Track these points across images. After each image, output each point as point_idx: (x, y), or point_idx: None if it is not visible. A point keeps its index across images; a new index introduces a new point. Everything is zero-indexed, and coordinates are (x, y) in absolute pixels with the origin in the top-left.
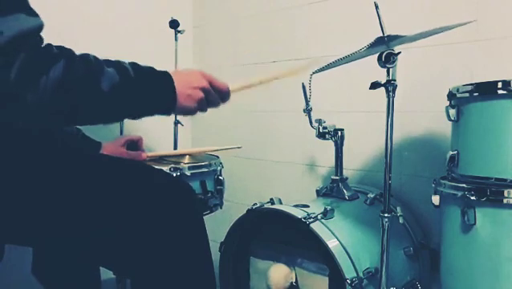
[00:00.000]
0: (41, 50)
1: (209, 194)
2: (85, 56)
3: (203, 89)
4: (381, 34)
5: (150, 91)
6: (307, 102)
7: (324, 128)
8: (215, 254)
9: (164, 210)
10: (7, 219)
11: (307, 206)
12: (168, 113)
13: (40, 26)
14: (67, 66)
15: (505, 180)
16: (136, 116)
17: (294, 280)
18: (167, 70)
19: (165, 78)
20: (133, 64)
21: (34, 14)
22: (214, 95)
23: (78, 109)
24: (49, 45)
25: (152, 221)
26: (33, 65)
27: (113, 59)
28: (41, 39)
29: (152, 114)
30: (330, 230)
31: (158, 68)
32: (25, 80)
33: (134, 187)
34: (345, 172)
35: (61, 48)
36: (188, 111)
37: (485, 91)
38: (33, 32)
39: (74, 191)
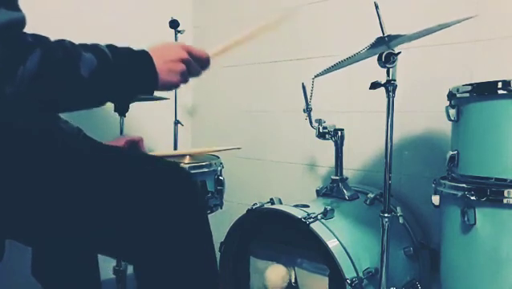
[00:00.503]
0: (16, 40)
1: (210, 194)
2: (61, 42)
3: (183, 60)
4: (381, 34)
5: (130, 72)
6: (307, 102)
7: (324, 128)
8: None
9: (166, 199)
10: (9, 218)
11: (307, 206)
12: (150, 92)
13: (20, 20)
14: (44, 54)
15: (505, 180)
16: (119, 98)
17: (292, 280)
18: (144, 48)
19: (144, 57)
20: (110, 47)
21: (16, 9)
22: (195, 65)
23: (58, 97)
24: (23, 34)
25: (155, 212)
26: (8, 57)
27: (90, 43)
28: (20, 33)
29: (134, 95)
30: (330, 230)
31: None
32: (1, 73)
33: (138, 178)
34: (345, 172)
35: (36, 36)
36: (172, 86)
37: (485, 91)
38: (11, 25)
39: (80, 183)
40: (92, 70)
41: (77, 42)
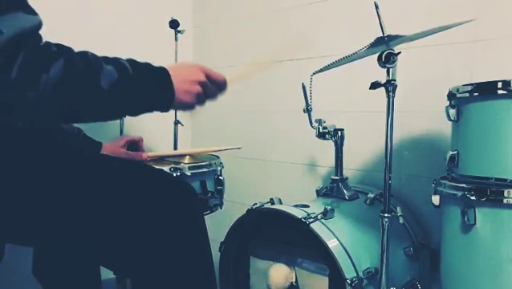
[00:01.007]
0: (40, 48)
1: (209, 194)
2: (84, 54)
3: (200, 83)
4: (381, 34)
5: (148, 88)
6: (307, 102)
7: (324, 128)
8: (215, 254)
9: (165, 210)
10: (8, 219)
11: (307, 206)
12: (166, 110)
13: (39, 25)
14: (67, 64)
15: (505, 180)
16: (135, 113)
17: (294, 280)
18: (164, 66)
19: (163, 74)
20: (131, 61)
21: (33, 13)
22: (212, 88)
23: (77, 107)
24: (48, 43)
25: (152, 221)
26: (33, 64)
27: (111, 56)
28: (40, 38)
29: (150, 111)
30: (330, 230)
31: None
32: (26, 79)
33: (135, 187)
34: (345, 172)
35: (60, 46)
36: (187, 107)
37: (485, 91)
38: (32, 31)
39: (74, 192)
40: (112, 83)
41: (77, 42)
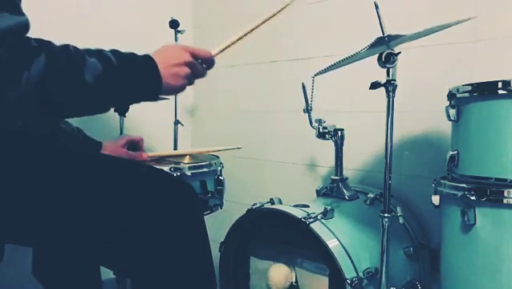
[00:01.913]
0: (20, 45)
1: (210, 194)
2: (65, 48)
3: (187, 63)
4: (381, 34)
5: (134, 78)
6: (307, 102)
7: (324, 128)
8: (215, 254)
9: (165, 210)
10: (9, 219)
11: (307, 206)
12: (154, 97)
13: (23, 24)
14: (49, 60)
15: (505, 180)
16: (123, 104)
17: (294, 280)
18: (148, 53)
19: (148, 63)
20: (115, 52)
21: (20, 13)
22: (199, 66)
23: (63, 103)
24: (28, 38)
25: (152, 221)
26: (12, 61)
27: (94, 48)
28: (24, 38)
29: (138, 101)
30: (330, 230)
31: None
32: (5, 77)
33: (135, 187)
34: (345, 173)
35: (40, 41)
36: (177, 90)
37: (485, 91)
38: (15, 30)
39: (74, 192)
40: (97, 75)
41: (76, 42)
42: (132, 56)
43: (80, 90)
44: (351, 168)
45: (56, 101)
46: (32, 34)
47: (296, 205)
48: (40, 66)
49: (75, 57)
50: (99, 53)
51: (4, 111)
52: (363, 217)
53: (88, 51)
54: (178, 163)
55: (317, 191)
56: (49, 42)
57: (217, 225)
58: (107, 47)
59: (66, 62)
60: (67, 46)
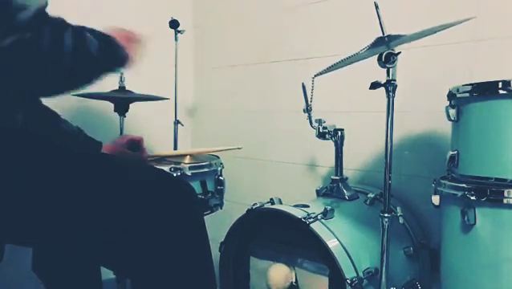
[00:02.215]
0: (54, 20)
1: (210, 194)
2: (72, 25)
3: None
4: (381, 34)
5: (114, 49)
6: (307, 102)
7: (324, 128)
8: (215, 254)
9: (165, 210)
10: (9, 219)
11: (307, 206)
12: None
13: (46, 1)
14: (74, 33)
15: (505, 180)
16: (109, 72)
17: (294, 280)
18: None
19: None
20: (90, 30)
21: None
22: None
23: (84, 72)
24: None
25: (152, 221)
26: (57, 35)
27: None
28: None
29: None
30: (330, 230)
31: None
32: (54, 51)
33: (135, 187)
34: (345, 173)
35: (58, 18)
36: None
37: (485, 91)
38: (45, 6)
39: (74, 192)
40: (96, 48)
41: None
42: (96, 32)
43: (90, 61)
44: (351, 168)
45: (80, 72)
46: None
47: (296, 205)
48: (69, 38)
49: (81, 32)
50: (86, 29)
51: (58, 83)
52: (363, 217)
53: (81, 28)
54: (178, 163)
55: (317, 191)
56: (63, 19)
57: (217, 225)
58: None
59: (79, 35)
60: (71, 24)
